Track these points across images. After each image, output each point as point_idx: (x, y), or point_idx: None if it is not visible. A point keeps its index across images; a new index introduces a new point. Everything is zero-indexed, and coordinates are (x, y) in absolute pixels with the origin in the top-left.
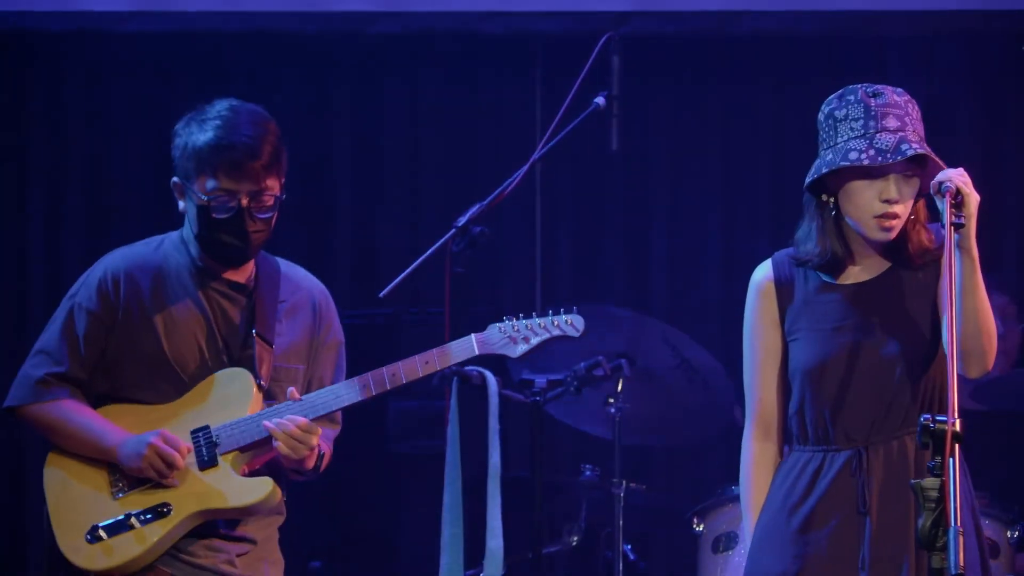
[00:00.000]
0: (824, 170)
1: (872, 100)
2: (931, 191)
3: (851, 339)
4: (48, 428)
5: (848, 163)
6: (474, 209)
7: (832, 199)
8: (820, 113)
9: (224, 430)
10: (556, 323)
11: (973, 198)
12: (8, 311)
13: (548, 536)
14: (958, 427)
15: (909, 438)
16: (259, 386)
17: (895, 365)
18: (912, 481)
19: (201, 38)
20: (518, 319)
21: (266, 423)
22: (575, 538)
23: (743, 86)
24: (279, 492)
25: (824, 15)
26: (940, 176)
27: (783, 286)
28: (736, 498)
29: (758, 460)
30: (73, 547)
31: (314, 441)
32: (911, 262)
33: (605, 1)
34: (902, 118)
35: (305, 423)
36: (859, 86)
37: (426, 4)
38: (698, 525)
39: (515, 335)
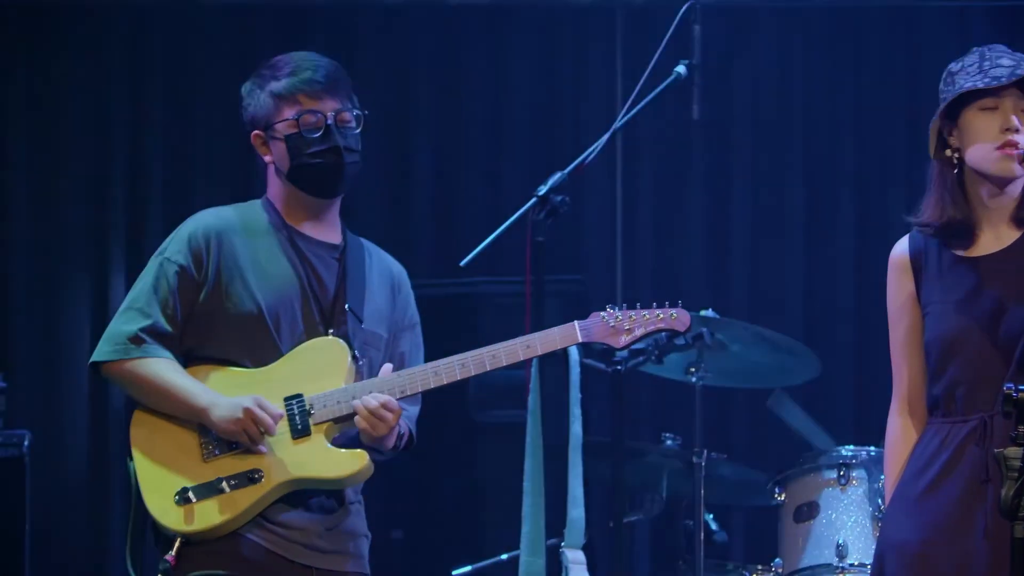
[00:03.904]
0: (941, 108)
1: (988, 51)
2: None
3: (979, 311)
4: (137, 386)
5: (962, 90)
6: (555, 178)
7: (956, 154)
8: (941, 83)
9: (318, 400)
10: (662, 316)
11: None
12: (90, 288)
13: (629, 505)
14: None
15: None
16: (354, 357)
17: (1020, 336)
18: (996, 450)
19: (282, 9)
20: (622, 310)
21: (355, 401)
22: (656, 507)
23: (824, 54)
24: (372, 467)
25: None
26: None
27: (918, 260)
28: (817, 468)
29: (898, 434)
30: (161, 508)
31: (393, 420)
32: None
33: None
34: (1019, 60)
35: (388, 401)
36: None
37: None
38: (779, 495)
39: (618, 326)
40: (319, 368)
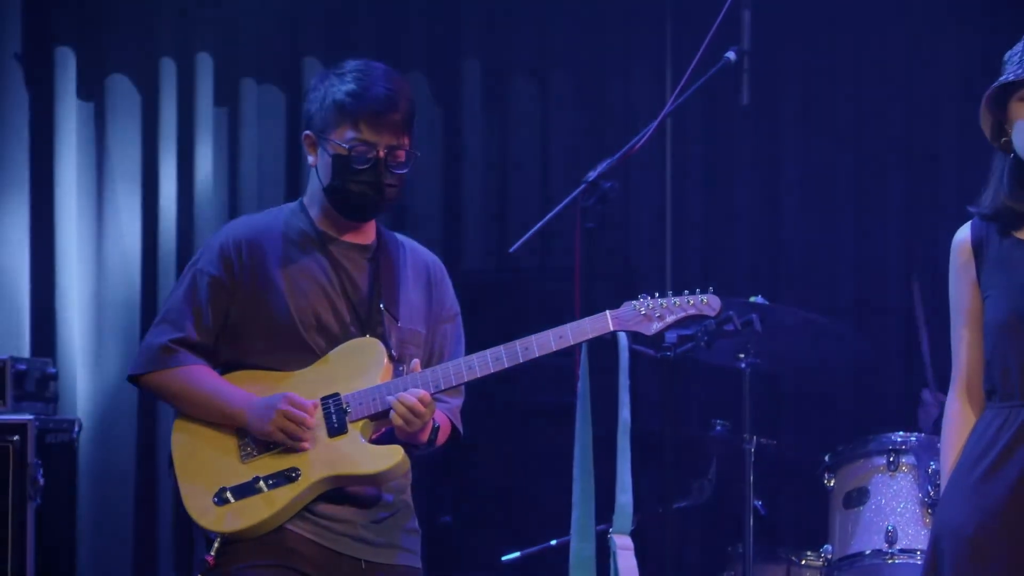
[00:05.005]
0: (983, 101)
1: None
2: None
3: None
4: (172, 395)
5: (996, 84)
6: (604, 164)
7: (1008, 143)
8: None
9: (354, 398)
10: (692, 302)
11: None
12: (140, 275)
13: (678, 491)
14: None
15: None
16: (390, 356)
17: None
18: None
19: None
20: (653, 298)
21: (389, 397)
22: (705, 493)
23: (874, 39)
24: (408, 460)
25: None
26: None
27: (980, 246)
28: (867, 453)
29: (957, 419)
30: (200, 509)
31: (428, 415)
32: None
33: None
34: None
35: (423, 396)
36: None
37: None
38: (829, 480)
39: (650, 313)
40: (355, 368)
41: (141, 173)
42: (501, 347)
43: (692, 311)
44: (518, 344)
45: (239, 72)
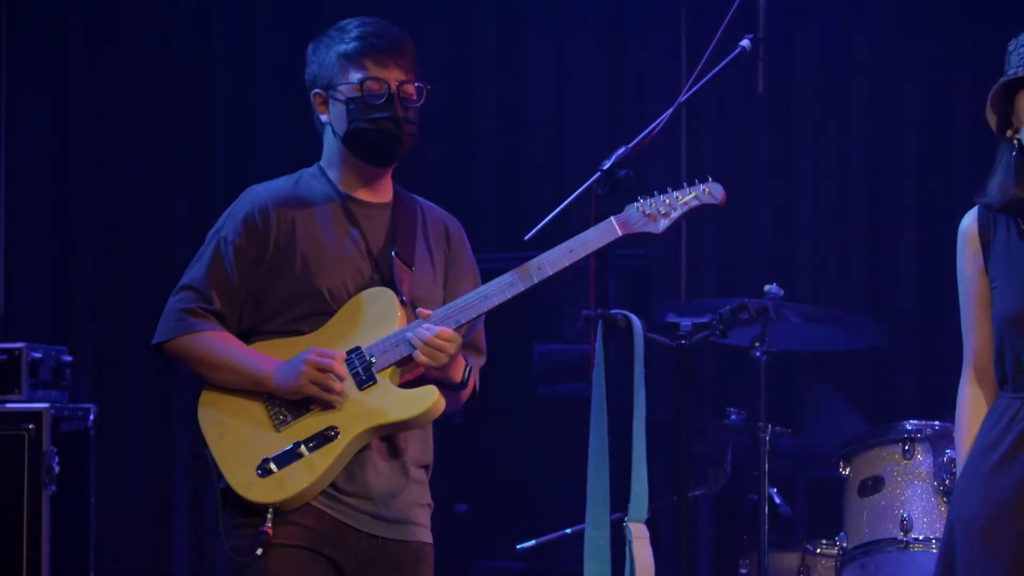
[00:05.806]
0: (989, 95)
1: None
2: None
3: None
4: (197, 360)
5: (1003, 79)
6: (619, 152)
7: (1016, 136)
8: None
9: (376, 348)
10: (694, 193)
11: None
12: (154, 262)
13: (693, 480)
14: None
15: None
16: (402, 302)
17: None
18: None
19: None
20: (654, 196)
21: (408, 335)
22: (720, 482)
23: (889, 30)
24: (443, 401)
25: None
26: None
27: (986, 233)
28: (881, 442)
29: (970, 405)
30: (245, 483)
31: (451, 348)
32: None
33: None
34: None
35: (442, 331)
36: None
37: None
38: (844, 468)
39: (655, 212)
40: (370, 319)
41: (156, 166)
42: (513, 271)
43: (695, 203)
44: (530, 265)
45: (255, 67)
